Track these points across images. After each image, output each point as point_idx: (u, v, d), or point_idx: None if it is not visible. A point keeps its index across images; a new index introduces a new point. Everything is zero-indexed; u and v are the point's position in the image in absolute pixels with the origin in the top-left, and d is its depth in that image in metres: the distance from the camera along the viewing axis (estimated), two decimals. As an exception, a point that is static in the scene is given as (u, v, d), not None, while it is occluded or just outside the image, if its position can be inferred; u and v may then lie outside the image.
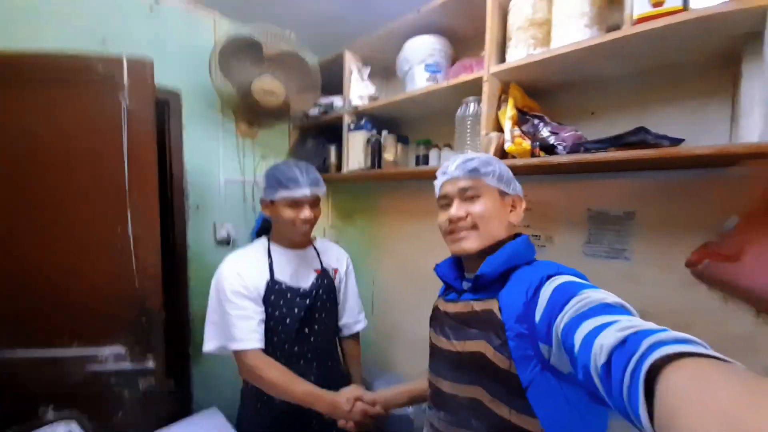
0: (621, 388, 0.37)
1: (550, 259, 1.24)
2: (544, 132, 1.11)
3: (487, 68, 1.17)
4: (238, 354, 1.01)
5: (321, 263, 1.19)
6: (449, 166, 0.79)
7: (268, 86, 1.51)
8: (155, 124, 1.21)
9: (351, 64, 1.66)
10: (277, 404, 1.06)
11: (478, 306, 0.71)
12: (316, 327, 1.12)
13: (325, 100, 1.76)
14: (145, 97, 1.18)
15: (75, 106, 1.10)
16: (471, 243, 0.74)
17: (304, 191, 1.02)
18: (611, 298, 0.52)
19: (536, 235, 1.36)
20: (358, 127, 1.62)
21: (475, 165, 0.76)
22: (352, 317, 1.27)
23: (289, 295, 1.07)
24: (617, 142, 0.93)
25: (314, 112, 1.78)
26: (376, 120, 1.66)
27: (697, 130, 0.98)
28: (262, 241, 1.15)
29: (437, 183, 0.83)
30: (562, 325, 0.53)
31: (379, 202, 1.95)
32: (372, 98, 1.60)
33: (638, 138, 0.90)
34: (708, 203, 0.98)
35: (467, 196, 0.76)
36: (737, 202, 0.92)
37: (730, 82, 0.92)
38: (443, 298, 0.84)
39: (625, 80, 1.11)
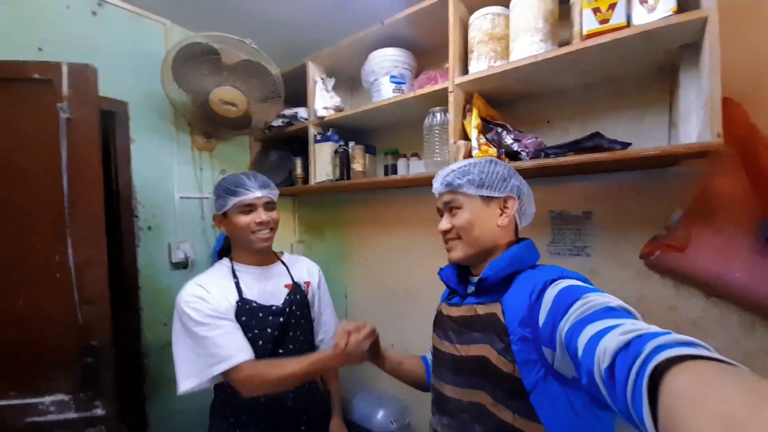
0: (625, 392, 0.37)
1: None
2: (508, 139, 1.17)
3: (451, 79, 1.22)
4: (230, 373, 0.90)
5: (291, 277, 1.13)
6: (435, 182, 0.82)
7: (228, 96, 1.44)
8: (100, 137, 1.10)
9: (315, 75, 1.64)
10: None
11: (481, 309, 0.71)
12: (291, 346, 1.05)
13: (288, 112, 1.72)
14: (89, 108, 1.06)
15: (5, 116, 0.97)
16: (456, 253, 0.77)
17: (255, 194, 1.00)
18: (615, 301, 0.52)
19: (505, 238, 1.41)
20: (324, 139, 1.59)
21: (450, 179, 0.77)
22: (329, 332, 1.21)
23: (260, 315, 1.00)
24: (575, 146, 1.00)
25: (278, 123, 1.73)
26: (342, 131, 1.64)
27: (639, 136, 1.08)
28: (224, 262, 1.08)
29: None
30: (565, 329, 0.53)
31: (348, 214, 1.93)
32: (337, 109, 1.59)
33: (594, 143, 0.98)
34: (655, 200, 1.09)
35: (450, 208, 0.78)
36: (680, 198, 1.02)
37: (666, 93, 1.04)
38: (446, 303, 0.83)
39: (576, 92, 1.21)
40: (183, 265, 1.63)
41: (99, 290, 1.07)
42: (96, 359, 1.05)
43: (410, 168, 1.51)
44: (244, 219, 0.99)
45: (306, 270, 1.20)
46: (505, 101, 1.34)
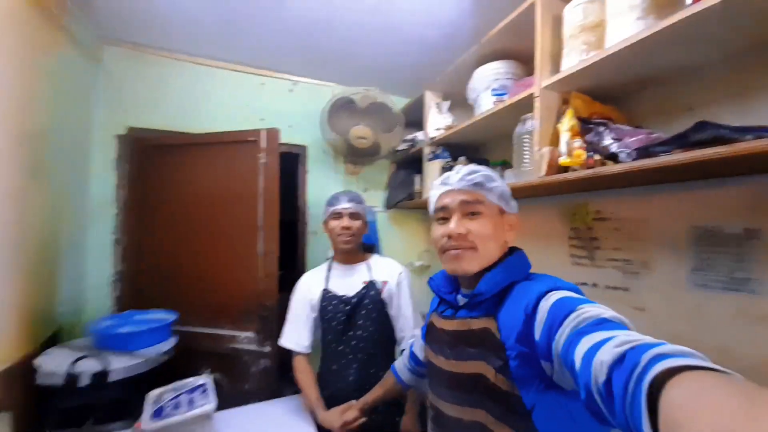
0: (623, 405, 0.36)
1: (649, 290, 1.07)
2: (607, 139, 0.99)
3: (538, 83, 1.15)
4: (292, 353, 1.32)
5: (370, 275, 1.31)
6: (451, 177, 0.75)
7: (360, 133, 1.85)
8: (279, 173, 1.69)
9: (430, 101, 1.83)
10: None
11: (475, 324, 0.69)
12: (359, 332, 1.25)
13: (410, 136, 1.98)
14: (274, 156, 1.67)
15: (234, 162, 1.69)
16: (471, 265, 0.70)
17: (343, 204, 1.27)
18: (608, 312, 0.50)
19: (628, 260, 1.14)
20: (435, 157, 1.75)
21: (480, 179, 0.72)
22: (407, 330, 1.29)
23: (335, 302, 1.26)
24: (681, 142, 0.77)
25: (402, 147, 2.02)
26: (453, 148, 1.76)
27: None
28: (329, 261, 1.40)
29: (434, 194, 0.78)
30: (561, 343, 0.52)
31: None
32: (448, 128, 1.72)
33: (707, 135, 0.73)
34: None
35: (467, 210, 0.72)
36: None
37: None
38: (439, 314, 0.81)
39: (721, 66, 0.89)
40: (334, 262, 2.16)
41: (272, 270, 1.65)
42: (268, 314, 1.61)
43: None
44: (333, 224, 1.29)
45: (387, 271, 1.33)
46: (623, 93, 1.13)
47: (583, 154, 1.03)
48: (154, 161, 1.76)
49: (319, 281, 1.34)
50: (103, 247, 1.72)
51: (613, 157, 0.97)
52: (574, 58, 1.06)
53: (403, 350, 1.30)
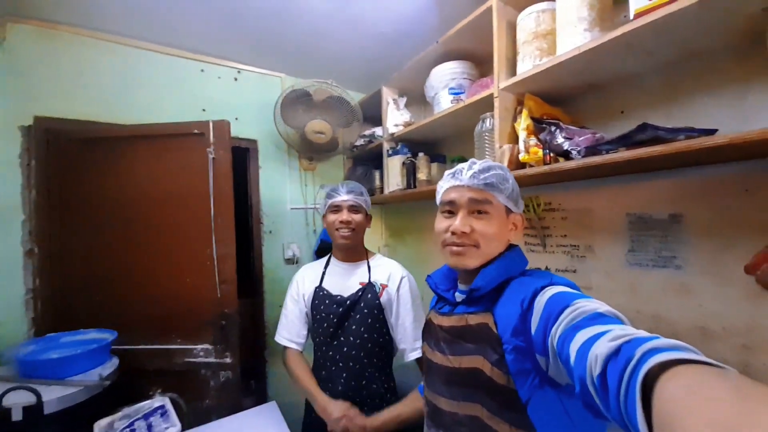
0: (618, 399, 0.37)
1: (593, 271, 1.17)
2: (559, 138, 1.09)
3: (496, 85, 1.22)
4: (283, 349, 1.25)
5: (369, 277, 1.23)
6: (463, 172, 0.74)
7: (317, 127, 1.79)
8: (232, 169, 1.56)
9: (388, 97, 1.84)
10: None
11: (472, 319, 0.70)
12: (351, 337, 1.16)
13: (368, 131, 1.98)
14: (225, 149, 1.54)
15: (178, 158, 1.52)
16: (472, 261, 0.71)
17: (342, 197, 1.20)
18: (604, 307, 0.52)
19: (575, 245, 1.28)
20: (395, 152, 1.77)
21: (493, 179, 0.71)
22: (408, 342, 1.18)
23: (327, 302, 1.19)
24: (625, 142, 0.88)
25: (360, 142, 2.01)
26: (412, 144, 1.79)
27: (739, 119, 0.86)
28: (328, 256, 1.33)
29: (443, 185, 0.78)
30: (557, 336, 0.53)
31: (423, 221, 2.04)
32: (407, 124, 1.74)
33: (647, 135, 0.84)
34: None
35: (475, 209, 0.71)
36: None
37: (769, 61, 0.80)
38: (437, 311, 0.81)
39: (652, 74, 1.04)
40: (292, 261, 2.07)
41: (230, 275, 1.53)
42: (227, 322, 1.50)
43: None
44: (332, 217, 1.20)
45: (387, 274, 1.24)
46: (569, 96, 1.24)
47: (540, 151, 1.13)
48: (75, 157, 1.51)
49: (314, 277, 1.26)
50: (12, 261, 1.44)
51: (565, 155, 1.07)
52: (529, 63, 1.14)
53: (401, 365, 1.23)
